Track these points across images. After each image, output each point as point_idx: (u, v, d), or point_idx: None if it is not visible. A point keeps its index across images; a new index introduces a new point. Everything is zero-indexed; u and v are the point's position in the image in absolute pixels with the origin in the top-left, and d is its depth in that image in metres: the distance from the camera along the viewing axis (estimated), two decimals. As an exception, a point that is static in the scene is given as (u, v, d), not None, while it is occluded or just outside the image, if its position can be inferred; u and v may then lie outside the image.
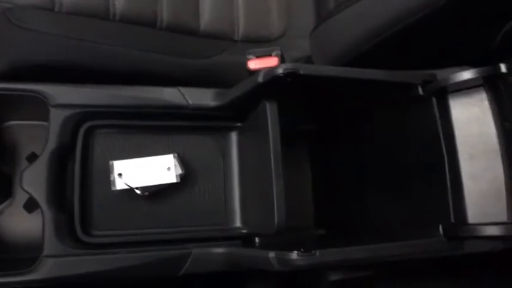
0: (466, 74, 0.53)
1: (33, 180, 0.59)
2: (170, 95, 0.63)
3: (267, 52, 0.66)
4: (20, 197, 0.65)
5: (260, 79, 0.56)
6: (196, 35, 0.72)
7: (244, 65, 0.68)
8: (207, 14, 0.74)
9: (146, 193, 0.63)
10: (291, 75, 0.54)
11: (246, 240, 0.64)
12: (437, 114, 0.55)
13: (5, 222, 0.65)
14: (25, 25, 0.62)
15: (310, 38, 0.73)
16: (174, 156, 0.63)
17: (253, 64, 0.67)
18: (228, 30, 0.75)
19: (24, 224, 0.65)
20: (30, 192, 0.58)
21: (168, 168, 0.63)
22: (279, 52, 0.64)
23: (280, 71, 0.54)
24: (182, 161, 0.65)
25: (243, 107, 0.63)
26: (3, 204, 0.66)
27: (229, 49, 0.74)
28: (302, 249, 0.49)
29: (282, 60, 0.64)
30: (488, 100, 0.52)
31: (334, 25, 0.68)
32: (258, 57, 0.66)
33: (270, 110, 0.56)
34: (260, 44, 0.76)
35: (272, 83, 0.56)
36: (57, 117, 0.60)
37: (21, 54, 0.63)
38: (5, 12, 0.62)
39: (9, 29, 0.62)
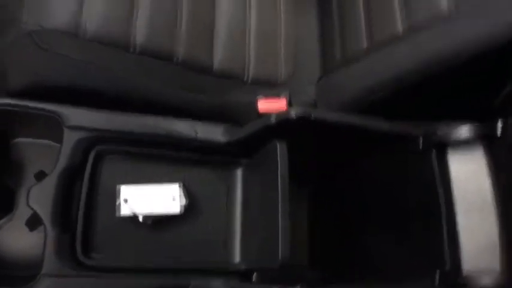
0: (465, 131, 0.57)
1: (40, 197, 0.59)
2: (181, 126, 0.66)
3: (275, 94, 0.70)
4: (21, 213, 0.65)
5: (273, 120, 0.60)
6: (209, 74, 0.76)
7: (253, 105, 0.72)
8: (220, 53, 0.77)
9: (149, 221, 0.64)
10: (302, 119, 0.57)
11: (244, 275, 0.65)
12: (436, 167, 0.58)
13: (3, 237, 0.65)
14: (49, 48, 0.64)
15: (316, 85, 0.77)
16: (180, 186, 0.65)
17: (262, 104, 0.70)
18: (239, 71, 0.78)
19: (22, 240, 0.65)
20: (36, 209, 0.59)
21: (173, 198, 0.65)
22: (287, 95, 0.68)
23: (293, 114, 0.58)
24: (187, 192, 0.66)
25: (251, 145, 0.66)
26: (3, 219, 0.66)
27: (239, 89, 0.77)
28: (304, 284, 0.50)
29: (290, 103, 0.68)
30: (485, 157, 0.56)
31: (340, 77, 0.72)
32: (267, 98, 0.70)
33: (280, 150, 0.59)
34: (268, 86, 0.80)
35: (283, 125, 0.59)
36: (70, 139, 0.62)
37: (42, 74, 0.64)
38: (31, 34, 0.65)
39: (33, 50, 0.64)
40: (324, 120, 0.58)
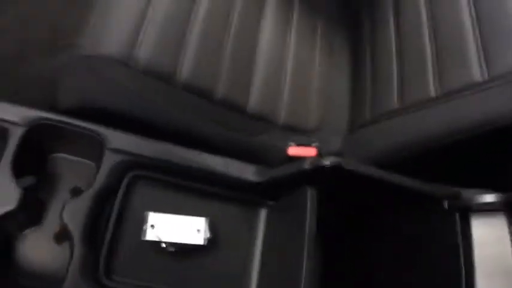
0: (488, 198, 0.59)
1: (74, 213, 0.61)
2: (215, 162, 0.68)
3: (306, 142, 0.73)
4: (47, 226, 0.66)
5: (306, 166, 0.62)
6: (243, 114, 0.79)
7: (282, 149, 0.74)
8: (256, 96, 0.81)
9: (172, 249, 0.66)
10: (337, 168, 0.60)
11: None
12: (459, 229, 0.60)
13: (27, 247, 0.66)
14: (102, 73, 0.68)
15: (344, 137, 0.80)
16: (206, 220, 0.67)
17: (293, 151, 0.73)
18: (271, 114, 0.82)
19: (45, 253, 0.65)
20: (68, 224, 0.60)
21: (198, 230, 0.66)
22: (317, 144, 0.71)
23: (327, 162, 0.60)
24: (212, 226, 0.68)
25: (279, 187, 0.68)
26: (30, 230, 0.67)
27: (269, 132, 0.80)
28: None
29: (319, 151, 0.71)
30: (508, 224, 0.58)
31: (370, 132, 0.75)
32: (298, 145, 0.73)
33: (310, 196, 0.61)
34: (296, 132, 0.82)
35: (316, 172, 0.62)
36: (110, 160, 0.64)
37: (91, 96, 0.68)
38: (86, 58, 0.69)
39: (86, 74, 0.68)
40: (357, 172, 0.61)
